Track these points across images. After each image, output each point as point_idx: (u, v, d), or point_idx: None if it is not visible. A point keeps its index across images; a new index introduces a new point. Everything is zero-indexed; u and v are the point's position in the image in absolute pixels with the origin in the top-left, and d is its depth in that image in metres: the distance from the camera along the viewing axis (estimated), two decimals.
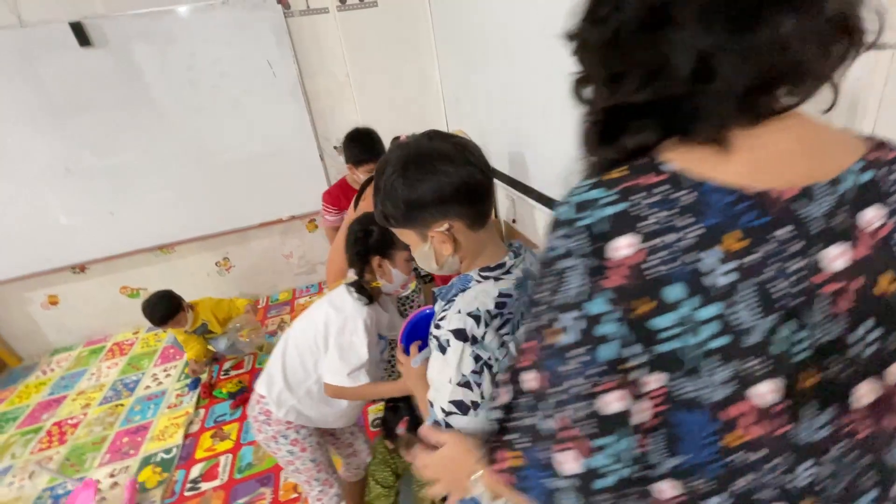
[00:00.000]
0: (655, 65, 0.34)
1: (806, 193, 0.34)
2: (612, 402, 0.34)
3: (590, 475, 0.35)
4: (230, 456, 1.90)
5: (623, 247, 0.34)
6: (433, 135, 0.67)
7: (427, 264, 0.71)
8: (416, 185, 0.62)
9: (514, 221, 2.15)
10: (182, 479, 1.83)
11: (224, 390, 2.27)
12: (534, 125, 1.73)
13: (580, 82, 0.40)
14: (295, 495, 1.67)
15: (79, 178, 2.53)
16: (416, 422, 1.32)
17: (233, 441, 1.98)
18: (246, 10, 2.51)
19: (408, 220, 0.66)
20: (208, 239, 2.93)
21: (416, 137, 0.67)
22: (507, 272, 0.68)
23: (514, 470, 0.40)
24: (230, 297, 2.50)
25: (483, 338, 0.61)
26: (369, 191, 1.78)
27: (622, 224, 0.34)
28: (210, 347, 2.31)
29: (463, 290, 0.67)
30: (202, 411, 2.20)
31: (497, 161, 2.15)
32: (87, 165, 2.53)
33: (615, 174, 0.36)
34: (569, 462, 0.36)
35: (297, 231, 3.13)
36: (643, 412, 0.35)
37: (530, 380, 0.39)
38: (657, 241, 0.33)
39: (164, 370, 2.57)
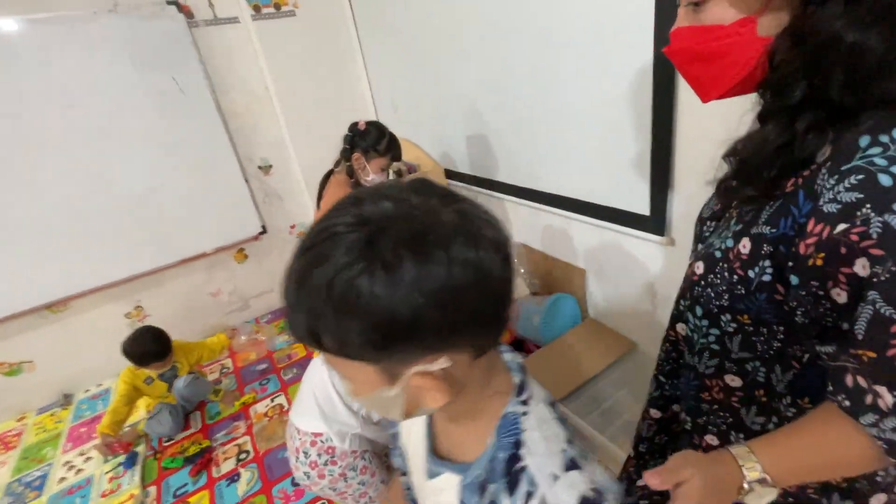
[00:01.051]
0: None
1: None
2: None
3: None
4: None
5: None
6: (419, 186, 0.38)
7: (384, 412, 0.43)
8: (404, 294, 0.33)
9: None
10: None
11: (177, 457, 1.91)
12: (492, 120, 1.79)
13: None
14: None
15: None
16: None
17: None
18: (141, 20, 2.21)
19: (374, 352, 0.37)
20: (113, 287, 2.47)
21: (390, 191, 0.38)
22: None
23: None
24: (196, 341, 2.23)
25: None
26: (330, 189, 1.68)
27: None
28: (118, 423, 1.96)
29: (514, 452, 0.42)
30: (152, 489, 1.82)
31: (453, 161, 2.18)
32: None
33: None
34: None
35: (224, 264, 2.79)
36: None
37: None
38: None
39: (81, 454, 2.08)
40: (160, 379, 2.04)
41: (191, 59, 2.36)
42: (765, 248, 0.52)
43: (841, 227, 0.43)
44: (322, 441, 1.01)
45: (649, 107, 1.17)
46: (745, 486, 0.50)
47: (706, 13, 0.50)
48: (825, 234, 0.45)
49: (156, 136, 2.35)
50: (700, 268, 0.61)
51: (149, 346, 1.97)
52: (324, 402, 1.01)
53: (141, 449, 2.00)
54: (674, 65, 0.60)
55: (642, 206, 1.32)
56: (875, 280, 0.42)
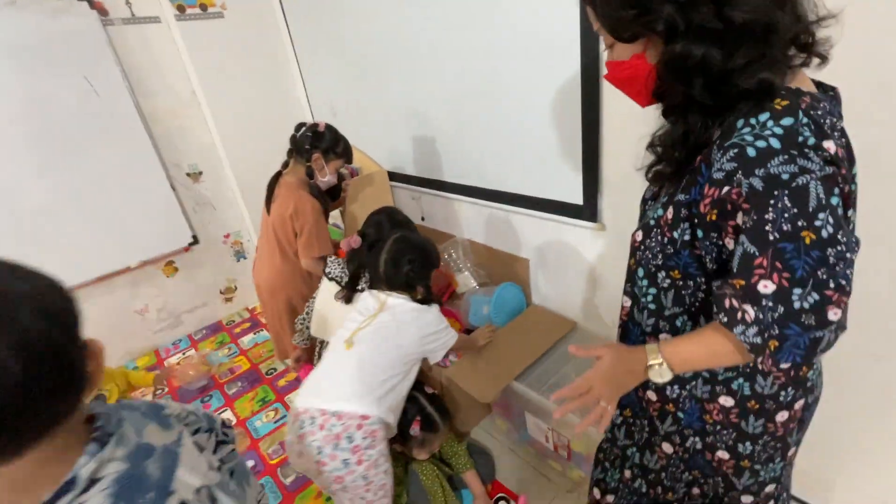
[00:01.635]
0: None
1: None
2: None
3: (845, 313, 0.53)
4: None
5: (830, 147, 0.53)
6: None
7: None
8: None
9: (422, 219, 2.26)
10: None
11: None
12: (437, 123, 1.89)
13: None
14: None
15: None
16: (428, 420, 1.32)
17: None
18: (46, 16, 2.03)
19: None
20: None
21: None
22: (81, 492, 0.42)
23: (777, 346, 0.55)
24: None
25: None
26: (280, 191, 1.67)
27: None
28: None
29: None
30: None
31: (399, 163, 2.24)
32: None
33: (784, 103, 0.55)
34: (834, 314, 0.53)
35: (151, 279, 2.60)
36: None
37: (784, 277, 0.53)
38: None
39: None
40: None
41: (106, 59, 2.20)
42: (682, 212, 0.65)
43: (725, 189, 0.57)
44: (369, 424, 1.05)
45: (579, 111, 1.34)
46: (649, 364, 0.68)
47: (614, 53, 0.67)
48: (716, 195, 0.58)
49: (65, 140, 2.15)
50: (640, 235, 0.75)
51: None
52: (371, 385, 1.09)
53: None
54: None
55: (576, 197, 1.48)
56: (744, 227, 0.56)
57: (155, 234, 2.50)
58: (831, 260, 0.52)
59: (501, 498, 1.54)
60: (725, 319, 0.60)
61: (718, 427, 0.75)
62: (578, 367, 1.64)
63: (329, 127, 1.70)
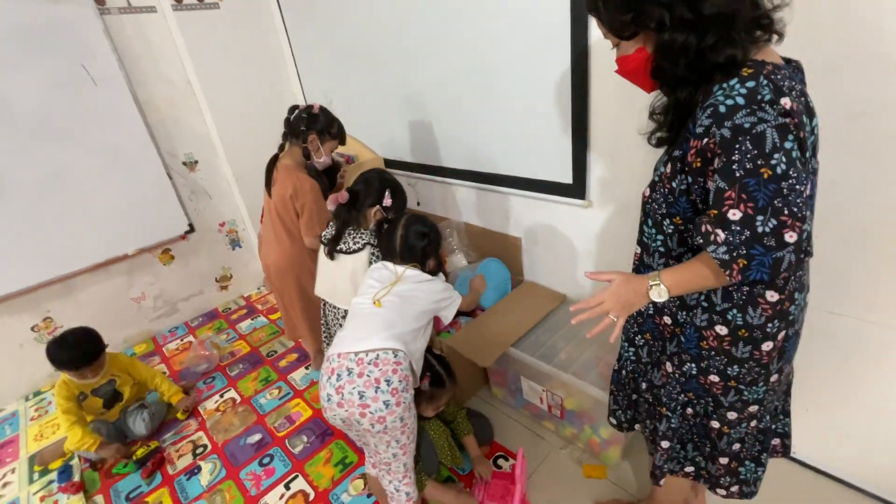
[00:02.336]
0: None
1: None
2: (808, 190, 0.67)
3: (800, 237, 0.66)
4: None
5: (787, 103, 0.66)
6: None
7: None
8: None
9: (418, 204, 2.36)
10: None
11: (127, 462, 1.81)
12: (433, 110, 1.99)
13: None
14: None
15: None
16: (436, 377, 1.42)
17: None
18: (44, 3, 2.04)
19: None
20: (17, 297, 2.22)
21: None
22: None
23: (745, 264, 0.68)
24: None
25: None
26: (278, 174, 1.74)
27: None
28: (94, 437, 1.79)
29: None
30: (98, 498, 1.71)
31: (394, 150, 2.33)
32: None
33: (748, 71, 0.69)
34: (790, 236, 0.65)
35: (147, 266, 2.63)
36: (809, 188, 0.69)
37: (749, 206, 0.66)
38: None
39: None
40: (94, 395, 1.87)
41: (102, 47, 2.22)
42: (678, 165, 0.80)
43: (704, 140, 0.72)
44: (402, 369, 1.16)
45: (569, 96, 1.46)
46: (650, 285, 0.82)
47: (620, 50, 0.82)
48: (698, 146, 0.73)
49: (62, 128, 2.17)
50: (648, 191, 0.90)
51: (81, 347, 1.78)
52: (404, 334, 1.21)
53: (74, 463, 1.86)
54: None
55: (566, 176, 1.61)
56: (717, 168, 0.70)
57: (151, 222, 2.53)
58: (785, 191, 0.65)
59: (500, 456, 1.66)
60: (701, 241, 0.73)
61: (713, 353, 0.89)
62: (567, 337, 1.77)
63: (323, 108, 1.75)
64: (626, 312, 0.86)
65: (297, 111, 1.75)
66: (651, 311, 1.01)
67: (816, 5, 0.97)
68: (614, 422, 1.24)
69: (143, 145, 2.43)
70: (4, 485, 1.83)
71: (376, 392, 1.13)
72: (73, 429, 1.75)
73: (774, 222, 0.66)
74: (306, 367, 2.26)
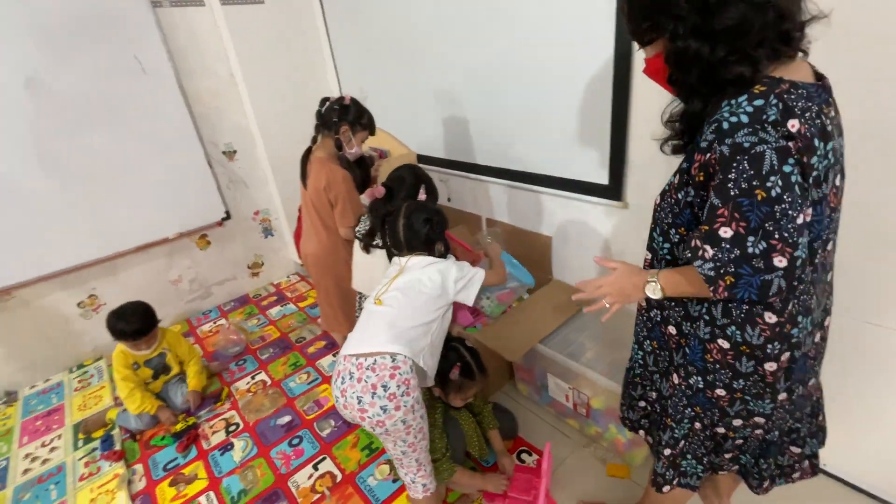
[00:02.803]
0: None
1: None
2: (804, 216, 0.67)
3: (792, 263, 0.66)
4: (211, 493, 1.64)
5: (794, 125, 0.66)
6: None
7: None
8: None
9: (448, 200, 2.39)
10: None
11: (165, 435, 1.90)
12: (469, 108, 2.02)
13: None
14: (318, 495, 1.58)
15: None
16: (466, 368, 1.45)
17: (205, 479, 1.71)
18: None
19: None
20: (66, 274, 2.34)
21: None
22: None
23: (733, 282, 0.69)
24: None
25: None
26: (312, 166, 1.77)
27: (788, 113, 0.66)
28: (153, 400, 1.95)
29: None
30: (138, 467, 1.80)
31: (427, 146, 2.36)
32: None
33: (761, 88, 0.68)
34: (779, 261, 0.65)
35: (185, 250, 2.74)
36: (807, 216, 0.68)
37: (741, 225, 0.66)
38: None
39: (43, 444, 1.97)
40: (146, 365, 1.98)
41: (154, 38, 2.32)
42: (684, 177, 0.79)
43: (707, 155, 0.71)
44: (400, 374, 1.14)
45: (610, 96, 1.47)
46: (647, 280, 0.86)
47: (645, 53, 0.83)
48: (701, 160, 0.73)
49: (114, 115, 2.28)
50: (658, 199, 0.91)
51: (137, 319, 1.90)
52: (405, 330, 1.19)
53: (116, 433, 1.96)
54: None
55: (602, 177, 1.62)
56: (713, 185, 0.70)
57: (191, 208, 2.63)
58: (777, 215, 0.65)
59: (523, 451, 1.68)
60: (689, 255, 0.75)
61: (717, 366, 0.87)
62: (594, 337, 1.78)
63: (354, 100, 1.77)
64: (621, 301, 0.90)
65: (328, 103, 1.78)
66: (658, 319, 1.00)
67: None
68: (627, 421, 1.24)
69: (187, 134, 2.53)
70: (52, 449, 1.94)
71: (373, 397, 1.13)
72: (133, 394, 1.89)
73: (764, 244, 0.66)
74: (333, 355, 2.32)
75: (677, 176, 0.82)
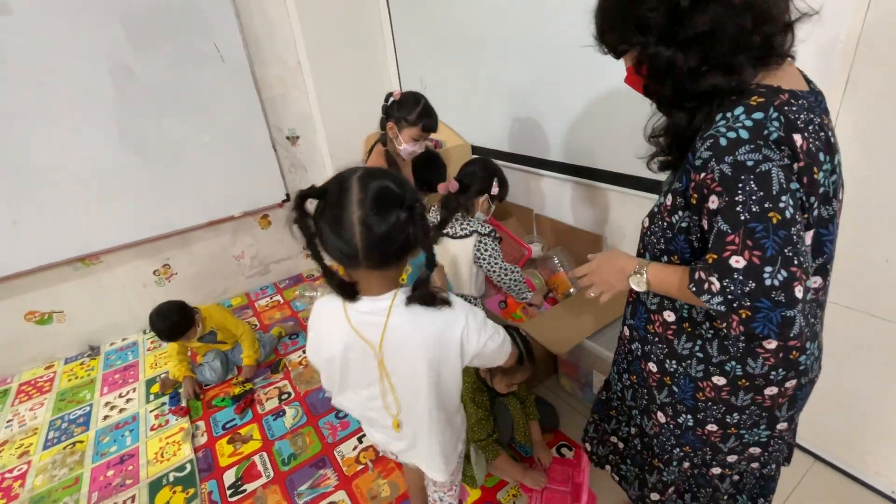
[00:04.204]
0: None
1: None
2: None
3: (805, 294, 0.57)
4: (264, 454, 1.77)
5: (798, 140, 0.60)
6: None
7: None
8: None
9: None
10: (216, 488, 1.64)
11: (225, 397, 2.06)
12: (532, 101, 2.01)
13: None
14: (361, 466, 1.66)
15: None
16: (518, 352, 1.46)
17: (259, 441, 1.83)
18: None
19: None
20: (144, 244, 2.56)
21: None
22: None
23: (749, 315, 0.59)
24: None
25: None
26: (369, 159, 1.77)
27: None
28: (191, 374, 2.15)
29: None
30: (200, 423, 1.96)
31: (482, 137, 2.37)
32: None
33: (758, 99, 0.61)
34: (799, 291, 0.56)
35: (248, 229, 2.91)
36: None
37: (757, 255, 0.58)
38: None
39: (120, 395, 2.19)
40: (200, 341, 2.14)
41: (231, 27, 2.47)
42: (678, 200, 0.71)
43: (702, 174, 0.63)
44: None
45: None
46: (633, 270, 0.78)
47: (624, 64, 0.78)
48: (696, 179, 0.65)
49: (193, 99, 2.45)
50: (646, 222, 0.83)
51: (173, 319, 1.97)
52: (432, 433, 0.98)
53: (182, 391, 2.13)
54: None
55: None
56: (719, 208, 0.61)
57: (256, 189, 2.79)
58: (794, 238, 0.57)
59: (563, 445, 1.68)
60: (694, 289, 0.65)
61: (710, 403, 0.80)
62: None
63: (407, 95, 1.68)
64: (608, 290, 0.85)
65: (390, 98, 1.74)
66: (639, 354, 0.92)
67: None
68: (594, 457, 1.17)
69: (256, 119, 2.68)
70: (128, 400, 2.15)
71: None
72: (170, 360, 2.15)
73: (785, 274, 0.56)
74: None
75: (669, 197, 0.74)
